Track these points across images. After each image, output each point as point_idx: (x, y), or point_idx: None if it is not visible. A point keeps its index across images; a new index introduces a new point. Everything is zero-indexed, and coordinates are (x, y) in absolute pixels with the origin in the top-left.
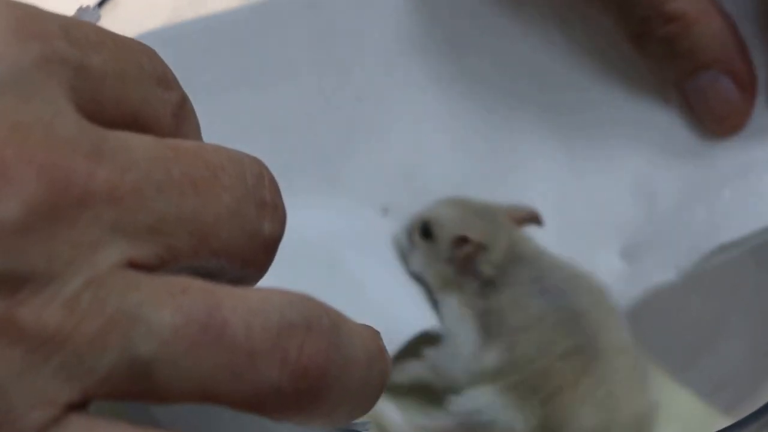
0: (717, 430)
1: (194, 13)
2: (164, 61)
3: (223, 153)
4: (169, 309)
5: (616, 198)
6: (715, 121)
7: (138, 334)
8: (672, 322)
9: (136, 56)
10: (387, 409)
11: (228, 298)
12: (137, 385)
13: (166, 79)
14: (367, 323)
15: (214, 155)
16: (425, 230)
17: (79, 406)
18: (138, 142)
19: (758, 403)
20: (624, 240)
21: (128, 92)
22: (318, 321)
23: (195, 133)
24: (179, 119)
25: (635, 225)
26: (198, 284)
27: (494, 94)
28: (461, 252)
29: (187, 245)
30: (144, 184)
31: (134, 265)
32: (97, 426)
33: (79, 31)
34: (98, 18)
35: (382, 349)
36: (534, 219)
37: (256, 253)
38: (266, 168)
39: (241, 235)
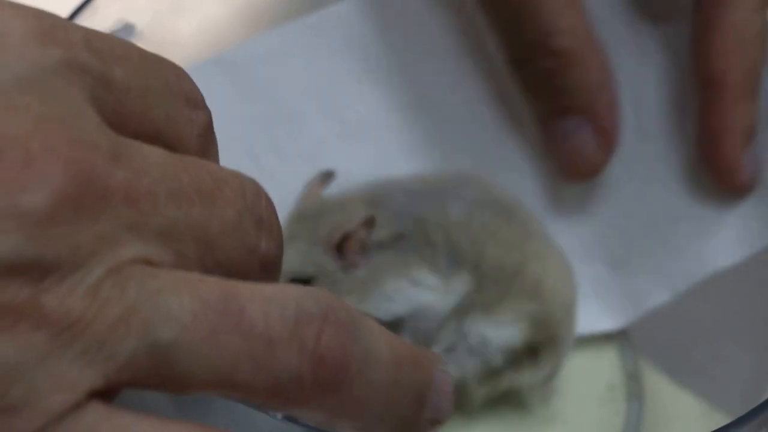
0: (716, 428)
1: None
2: (194, 81)
3: (225, 169)
4: (188, 295)
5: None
6: (568, 166)
7: (158, 319)
8: (671, 321)
9: (163, 73)
10: None
11: (244, 287)
12: (158, 372)
13: (194, 99)
14: None
15: (217, 169)
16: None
17: (102, 394)
18: (150, 151)
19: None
20: (613, 253)
21: (152, 108)
22: (335, 313)
23: (216, 156)
24: (205, 141)
25: (627, 239)
26: (213, 277)
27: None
28: (352, 242)
29: (194, 253)
30: (158, 189)
31: (151, 265)
32: (116, 414)
33: (103, 43)
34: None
35: (416, 358)
36: (329, 176)
37: (253, 269)
38: (263, 189)
39: (241, 249)
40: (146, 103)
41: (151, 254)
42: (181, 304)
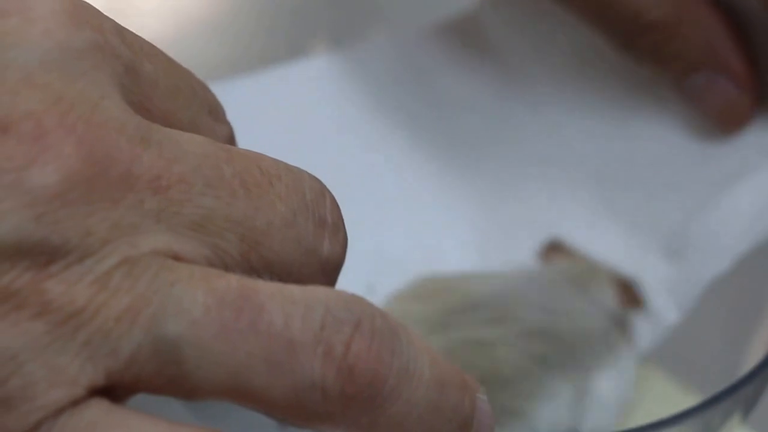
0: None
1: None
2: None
3: (281, 164)
4: (203, 289)
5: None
6: (717, 120)
7: (166, 313)
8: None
9: (189, 79)
10: None
11: (267, 286)
12: (164, 372)
13: (217, 111)
14: None
15: (271, 164)
16: None
17: (103, 391)
18: (189, 138)
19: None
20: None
21: (178, 109)
22: (370, 320)
23: None
24: None
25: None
26: (236, 275)
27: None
28: None
29: (237, 250)
30: (192, 177)
31: (179, 260)
32: (117, 413)
33: (134, 38)
34: None
35: (464, 383)
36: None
37: (313, 273)
38: (328, 189)
39: (296, 249)
40: (174, 103)
41: (180, 247)
42: (193, 297)
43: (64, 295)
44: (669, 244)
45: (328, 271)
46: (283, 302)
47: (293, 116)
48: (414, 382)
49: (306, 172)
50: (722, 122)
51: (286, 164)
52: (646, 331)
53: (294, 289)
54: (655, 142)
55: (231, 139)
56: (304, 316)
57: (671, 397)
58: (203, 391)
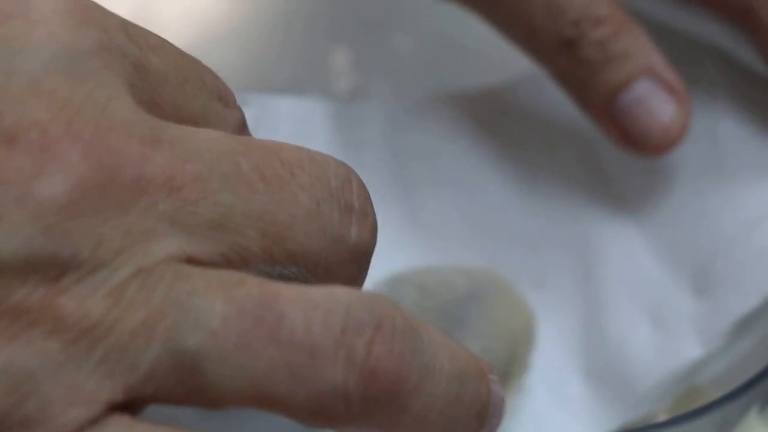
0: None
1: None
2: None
3: (304, 153)
4: (220, 299)
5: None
6: (652, 138)
7: (185, 324)
8: None
9: (197, 68)
10: None
11: (287, 291)
12: (184, 384)
13: (227, 97)
14: None
15: (292, 153)
16: None
17: (123, 406)
18: (203, 135)
19: None
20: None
21: (188, 101)
22: (391, 321)
23: None
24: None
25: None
26: (256, 278)
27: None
28: None
29: (258, 245)
30: (208, 174)
31: (195, 261)
32: (138, 428)
33: (140, 32)
34: None
35: (481, 372)
36: None
37: (342, 261)
38: (355, 174)
39: (322, 240)
40: (183, 95)
41: (196, 248)
42: (211, 308)
43: (77, 310)
44: (697, 280)
45: (358, 258)
46: (304, 308)
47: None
48: (435, 379)
49: (332, 158)
50: (650, 142)
51: (309, 152)
52: (668, 365)
53: (314, 293)
54: (685, 177)
55: (243, 124)
56: (324, 322)
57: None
58: (225, 400)
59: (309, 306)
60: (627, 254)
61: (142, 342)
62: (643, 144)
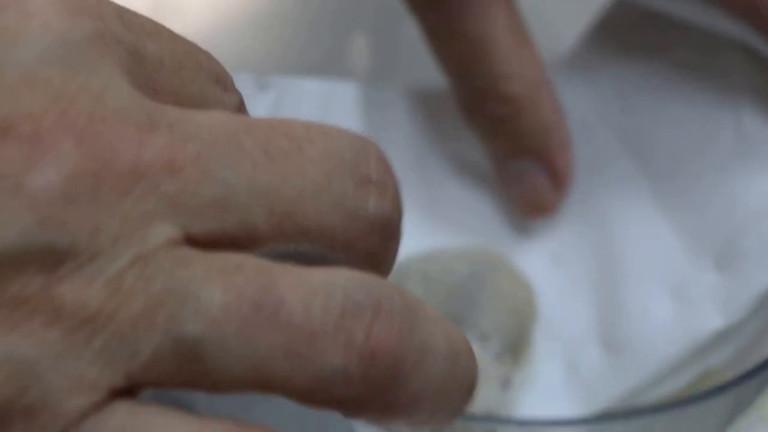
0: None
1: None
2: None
3: (316, 128)
4: (220, 286)
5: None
6: (524, 206)
7: (184, 313)
8: None
9: (193, 53)
10: None
11: (286, 275)
12: (185, 370)
13: (225, 81)
14: None
15: (300, 129)
16: None
17: (124, 392)
18: (203, 116)
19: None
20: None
21: (186, 85)
22: (389, 302)
23: None
24: None
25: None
26: (255, 262)
27: None
28: None
29: (265, 222)
30: (208, 153)
31: (196, 243)
32: (143, 412)
33: (135, 18)
34: None
35: (470, 348)
36: None
37: (361, 234)
38: (375, 145)
39: (335, 212)
40: (180, 80)
41: (201, 228)
42: (211, 295)
43: (76, 299)
44: (719, 255)
45: (380, 229)
46: (303, 292)
47: None
48: (432, 357)
49: (348, 131)
50: (529, 210)
51: (321, 127)
52: (688, 339)
53: (313, 276)
54: (709, 157)
55: (241, 108)
56: (324, 306)
57: None
58: (225, 385)
59: (308, 290)
60: (647, 230)
61: (143, 331)
62: (519, 208)
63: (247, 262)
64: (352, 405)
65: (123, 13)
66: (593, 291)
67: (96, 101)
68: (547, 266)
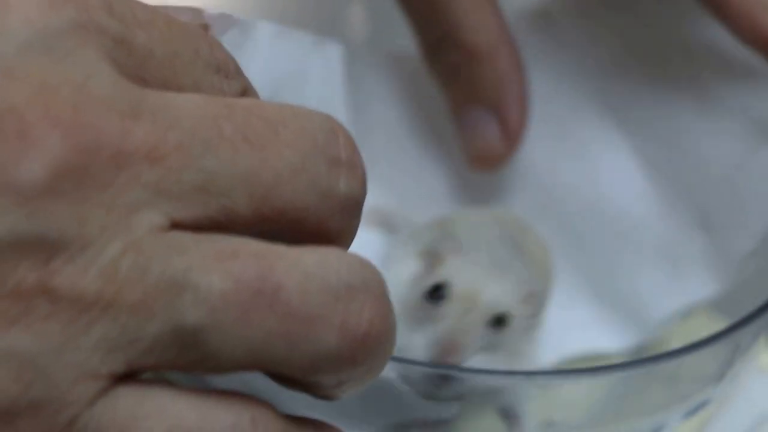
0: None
1: None
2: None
3: (287, 110)
4: (218, 274)
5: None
6: (473, 156)
7: (184, 301)
8: None
9: (192, 41)
10: None
11: (282, 260)
12: (185, 356)
13: (227, 68)
14: None
15: (275, 112)
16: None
17: (127, 376)
18: (184, 100)
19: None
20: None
21: (177, 75)
22: (376, 285)
23: None
24: None
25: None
26: (250, 246)
27: None
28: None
29: (246, 206)
30: (190, 141)
31: (183, 227)
32: (150, 395)
33: (125, 7)
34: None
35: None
36: None
37: (332, 213)
38: (341, 126)
39: (310, 193)
40: (172, 70)
41: (184, 214)
42: (210, 284)
43: (71, 290)
44: (703, 215)
45: (349, 209)
46: (299, 277)
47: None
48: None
49: (316, 112)
50: (477, 161)
51: (292, 108)
52: (679, 299)
53: (308, 260)
54: (692, 121)
55: (245, 95)
56: (319, 290)
57: (698, 321)
58: (225, 368)
59: (303, 275)
60: (631, 192)
61: (142, 319)
62: (468, 157)
63: (242, 246)
64: (333, 376)
65: (112, 2)
66: (590, 253)
67: (79, 91)
68: (552, 227)
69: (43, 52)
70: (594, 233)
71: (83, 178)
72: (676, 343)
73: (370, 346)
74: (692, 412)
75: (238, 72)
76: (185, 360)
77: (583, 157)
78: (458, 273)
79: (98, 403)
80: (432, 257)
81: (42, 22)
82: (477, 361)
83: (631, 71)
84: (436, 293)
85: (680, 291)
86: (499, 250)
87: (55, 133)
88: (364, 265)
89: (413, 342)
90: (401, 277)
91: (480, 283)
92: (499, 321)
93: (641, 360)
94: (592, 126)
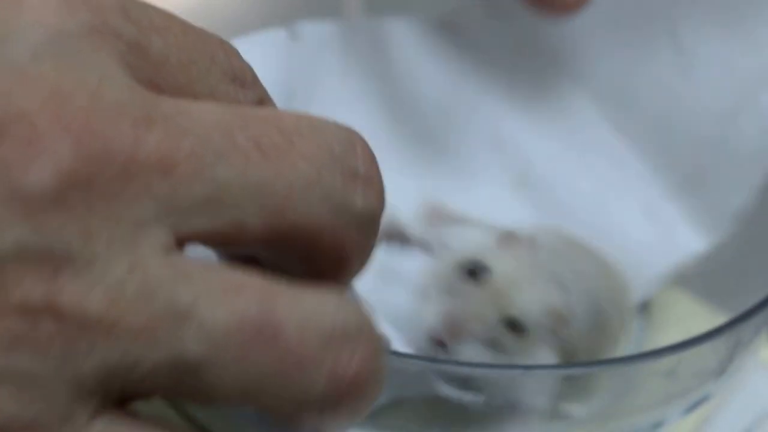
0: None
1: None
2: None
3: (304, 120)
4: (223, 309)
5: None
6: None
7: (187, 333)
8: None
9: (209, 49)
10: None
11: (284, 297)
12: (179, 386)
13: (243, 77)
14: None
15: (291, 122)
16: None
17: (120, 401)
18: (198, 108)
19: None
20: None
21: (192, 82)
22: (369, 329)
23: None
24: None
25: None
26: (254, 281)
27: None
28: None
29: (256, 218)
30: (201, 150)
31: (191, 241)
32: (135, 424)
33: (142, 12)
34: None
35: None
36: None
37: (347, 229)
38: (361, 138)
39: (324, 207)
40: (187, 77)
41: (193, 227)
42: (214, 317)
43: (77, 309)
44: (693, 173)
45: (365, 224)
46: (299, 317)
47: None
48: (383, 374)
49: (334, 122)
50: (549, 6)
51: (310, 119)
52: (671, 258)
53: (308, 300)
54: (655, 73)
55: (262, 104)
56: (315, 334)
57: (699, 316)
58: (216, 400)
59: (303, 317)
60: (612, 156)
61: (144, 346)
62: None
63: (246, 281)
64: (316, 418)
65: (129, 7)
66: (580, 215)
67: (91, 97)
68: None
69: (55, 57)
70: (578, 199)
71: (91, 189)
72: (660, 318)
73: (355, 391)
74: (692, 407)
75: (255, 81)
76: (178, 389)
77: (561, 128)
78: (501, 265)
79: (93, 426)
80: (501, 239)
81: (57, 25)
82: (484, 356)
83: (604, 36)
84: (472, 271)
85: (670, 250)
86: (551, 262)
87: (66, 141)
88: (360, 312)
89: (426, 308)
90: (465, 238)
91: (514, 283)
92: (514, 326)
93: (640, 355)
94: (569, 97)
